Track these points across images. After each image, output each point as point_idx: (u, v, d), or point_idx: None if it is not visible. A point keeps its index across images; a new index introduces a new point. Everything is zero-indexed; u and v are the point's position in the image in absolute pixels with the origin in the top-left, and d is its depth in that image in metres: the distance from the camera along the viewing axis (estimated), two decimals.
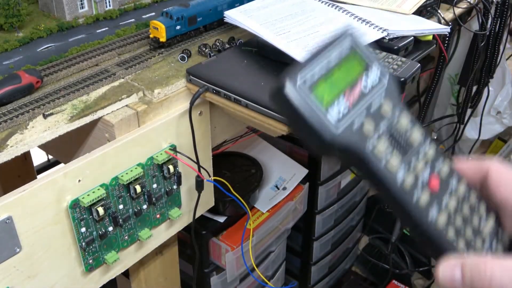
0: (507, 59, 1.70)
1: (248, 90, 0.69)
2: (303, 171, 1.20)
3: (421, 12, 0.94)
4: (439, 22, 0.98)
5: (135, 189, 0.68)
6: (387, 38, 0.78)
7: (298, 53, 0.72)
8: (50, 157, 1.55)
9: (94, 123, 0.67)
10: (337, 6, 0.86)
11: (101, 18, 0.88)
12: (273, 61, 0.75)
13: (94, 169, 0.63)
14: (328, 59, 0.33)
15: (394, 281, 1.64)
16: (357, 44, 0.35)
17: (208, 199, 0.86)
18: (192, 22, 0.82)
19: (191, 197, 0.79)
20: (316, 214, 1.33)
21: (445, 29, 0.85)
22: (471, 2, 1.13)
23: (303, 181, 1.21)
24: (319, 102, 0.32)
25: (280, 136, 0.71)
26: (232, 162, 1.15)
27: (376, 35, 0.78)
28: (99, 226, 0.66)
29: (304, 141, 0.33)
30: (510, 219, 0.37)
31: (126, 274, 0.83)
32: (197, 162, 0.75)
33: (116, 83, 0.71)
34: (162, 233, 0.78)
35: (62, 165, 0.65)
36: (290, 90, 0.31)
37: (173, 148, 0.72)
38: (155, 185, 0.72)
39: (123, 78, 0.73)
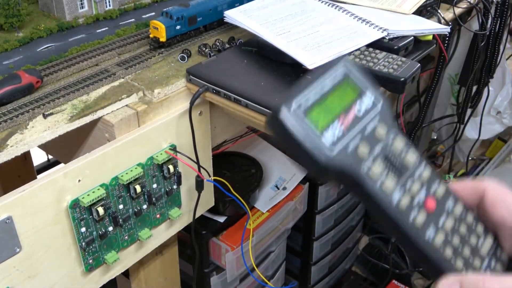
0: (507, 59, 1.70)
1: (248, 90, 0.69)
2: (303, 171, 1.20)
3: (421, 12, 0.94)
4: (439, 22, 0.98)
5: (135, 189, 0.68)
6: (387, 38, 0.78)
7: (298, 53, 0.72)
8: (50, 157, 1.55)
9: (94, 123, 0.67)
10: (337, 6, 0.86)
11: (101, 18, 0.88)
12: (273, 61, 0.75)
13: (94, 169, 0.63)
14: (322, 85, 0.35)
15: (394, 281, 1.63)
16: (351, 71, 0.37)
17: (208, 199, 0.86)
18: (192, 22, 0.82)
19: (191, 197, 0.79)
20: (316, 214, 1.33)
21: (445, 29, 0.85)
22: (471, 2, 1.12)
23: (303, 181, 1.21)
24: (314, 126, 0.33)
25: None
26: (232, 162, 1.15)
27: (376, 35, 0.78)
28: (99, 226, 0.66)
29: (301, 164, 0.34)
30: (508, 238, 0.37)
31: (126, 274, 0.83)
32: (197, 162, 0.75)
33: (116, 83, 0.71)
34: (162, 233, 0.78)
35: (62, 165, 0.65)
36: (284, 114, 0.32)
37: (173, 148, 0.72)
38: (155, 185, 0.72)
39: (123, 78, 0.73)
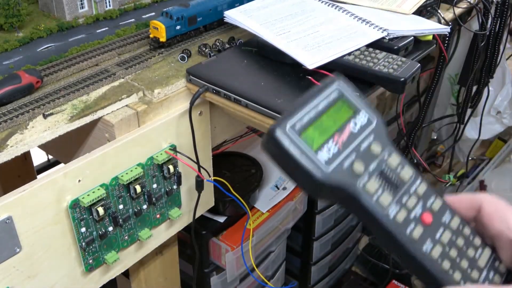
0: (507, 59, 1.70)
1: (248, 90, 0.69)
2: None
3: (421, 12, 0.94)
4: (439, 22, 0.98)
5: (135, 189, 0.68)
6: (387, 38, 0.78)
7: (298, 53, 0.72)
8: (50, 157, 1.55)
9: (94, 123, 0.67)
10: (337, 6, 0.86)
11: (101, 18, 0.88)
12: (273, 61, 0.75)
13: (94, 169, 0.63)
14: (317, 105, 0.36)
15: (394, 281, 1.63)
16: (346, 91, 0.38)
17: (208, 199, 0.86)
18: (192, 22, 0.82)
19: (191, 197, 0.79)
20: (316, 214, 1.33)
21: (445, 29, 0.85)
22: (471, 2, 1.12)
23: None
24: (309, 144, 0.34)
25: None
26: (232, 162, 1.15)
27: (376, 35, 0.78)
28: (99, 226, 0.66)
29: (298, 184, 0.35)
30: (505, 251, 0.37)
31: (126, 274, 0.83)
32: (197, 162, 0.75)
33: (116, 83, 0.71)
34: (162, 233, 0.78)
35: (62, 165, 0.65)
36: (280, 134, 0.33)
37: (173, 148, 0.72)
38: (155, 185, 0.72)
39: (123, 78, 0.73)
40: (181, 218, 0.79)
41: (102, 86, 0.70)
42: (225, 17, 0.82)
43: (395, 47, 0.76)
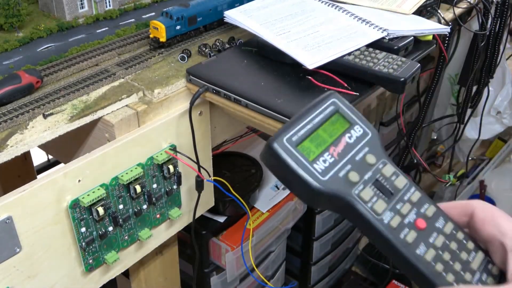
0: (507, 59, 1.70)
1: (248, 90, 0.69)
2: None
3: (421, 12, 0.94)
4: (439, 22, 0.98)
5: (135, 189, 0.68)
6: (387, 38, 0.78)
7: (298, 53, 0.72)
8: (50, 157, 1.55)
9: (94, 123, 0.67)
10: (337, 6, 0.86)
11: (101, 18, 0.88)
12: (273, 61, 0.75)
13: (94, 169, 0.63)
14: (313, 119, 0.39)
15: (394, 281, 1.63)
16: (341, 106, 0.41)
17: (208, 199, 0.86)
18: (192, 22, 0.82)
19: (191, 197, 0.79)
20: (316, 214, 1.33)
21: (445, 29, 0.85)
22: (471, 2, 1.12)
23: None
24: (305, 156, 0.36)
25: None
26: (232, 162, 1.15)
27: (376, 35, 0.78)
28: (99, 226, 0.66)
29: (296, 194, 0.38)
30: (498, 254, 0.39)
31: (126, 274, 0.83)
32: (197, 162, 0.75)
33: (116, 83, 0.71)
34: (162, 233, 0.78)
35: (62, 165, 0.65)
36: (277, 146, 0.36)
37: (173, 148, 0.72)
38: (155, 185, 0.72)
39: (123, 78, 0.73)
40: (181, 218, 0.79)
41: (102, 86, 0.70)
42: (225, 17, 0.82)
43: (395, 47, 0.76)
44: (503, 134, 2.02)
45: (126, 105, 0.69)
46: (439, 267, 0.37)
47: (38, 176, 0.87)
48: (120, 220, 0.69)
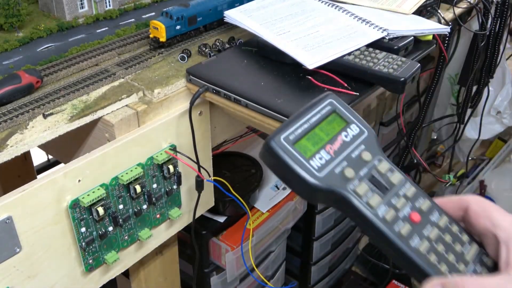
0: (507, 59, 1.70)
1: (248, 90, 0.69)
2: None
3: (421, 12, 0.94)
4: (439, 22, 0.98)
5: (135, 189, 0.68)
6: (387, 38, 0.78)
7: (298, 53, 0.72)
8: (50, 157, 1.55)
9: (94, 123, 0.67)
10: (337, 6, 0.86)
11: (101, 18, 0.88)
12: (273, 61, 0.75)
13: (94, 169, 0.63)
14: (310, 119, 0.40)
15: (394, 281, 1.63)
16: (338, 107, 0.42)
17: (208, 199, 0.86)
18: (192, 22, 0.82)
19: (191, 197, 0.79)
20: (316, 214, 1.33)
21: (445, 29, 0.85)
22: (471, 2, 1.12)
23: None
24: (302, 153, 0.38)
25: None
26: (232, 162, 1.15)
27: (376, 35, 0.78)
28: (99, 226, 0.66)
29: (294, 190, 0.39)
30: (491, 246, 0.40)
31: (126, 274, 0.83)
32: (197, 162, 0.75)
33: (116, 83, 0.71)
34: (162, 233, 0.78)
35: (62, 165, 0.65)
36: (274, 145, 0.38)
37: (173, 148, 0.72)
38: (155, 185, 0.72)
39: (123, 78, 0.73)
40: (181, 218, 0.79)
41: (102, 86, 0.70)
42: (225, 17, 0.82)
43: (395, 47, 0.76)
44: (503, 134, 2.02)
45: (126, 105, 0.69)
46: (433, 258, 0.38)
47: (38, 176, 0.87)
48: (120, 220, 0.69)
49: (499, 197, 1.84)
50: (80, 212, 0.63)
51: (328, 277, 1.55)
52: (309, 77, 0.70)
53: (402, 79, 0.68)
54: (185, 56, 0.78)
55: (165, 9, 0.79)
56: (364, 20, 0.82)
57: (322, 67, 0.71)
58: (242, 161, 1.16)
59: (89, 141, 0.70)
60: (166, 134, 0.71)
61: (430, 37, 0.83)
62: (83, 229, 0.64)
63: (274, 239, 1.17)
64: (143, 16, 0.92)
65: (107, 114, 0.66)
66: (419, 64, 0.71)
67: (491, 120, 1.79)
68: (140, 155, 0.68)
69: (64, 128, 0.63)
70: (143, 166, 0.69)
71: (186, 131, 0.73)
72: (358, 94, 0.67)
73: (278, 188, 1.16)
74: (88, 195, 0.63)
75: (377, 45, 0.76)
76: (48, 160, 1.56)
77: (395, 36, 0.79)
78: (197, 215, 0.82)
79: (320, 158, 0.39)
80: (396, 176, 0.41)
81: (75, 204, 0.62)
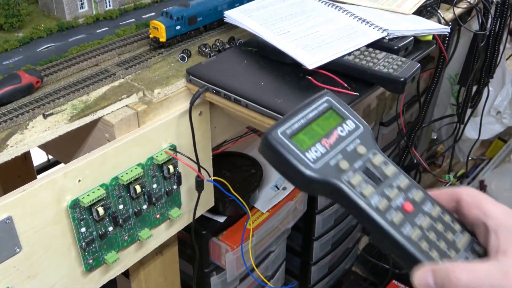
0: (507, 59, 1.70)
1: (248, 90, 0.69)
2: None
3: (421, 12, 0.94)
4: (439, 22, 0.98)
5: (135, 189, 0.68)
6: (387, 38, 0.78)
7: (298, 53, 0.72)
8: (50, 157, 1.55)
9: (94, 123, 0.67)
10: (337, 6, 0.86)
11: (101, 18, 0.88)
12: (273, 61, 0.75)
13: (94, 169, 0.63)
14: (307, 115, 0.42)
15: (394, 281, 1.63)
16: (334, 104, 0.44)
17: (208, 199, 0.86)
18: (192, 22, 0.82)
19: (191, 197, 0.79)
20: (316, 214, 1.33)
21: (445, 29, 0.85)
22: (471, 2, 1.13)
23: None
24: (299, 146, 0.40)
25: None
26: (232, 162, 1.15)
27: (376, 35, 0.78)
28: (99, 226, 0.66)
29: (291, 181, 0.41)
30: (482, 235, 0.41)
31: (126, 274, 0.83)
32: (197, 162, 0.75)
33: (116, 83, 0.71)
34: (162, 233, 0.78)
35: (62, 165, 0.65)
36: (272, 138, 0.40)
37: (173, 148, 0.72)
38: (155, 185, 0.72)
39: (123, 78, 0.73)
40: (181, 218, 0.79)
41: (102, 86, 0.70)
42: (225, 17, 0.82)
43: (395, 47, 0.76)
44: (503, 134, 2.02)
45: (126, 105, 0.69)
46: (424, 245, 0.40)
47: (38, 176, 0.87)
48: (120, 220, 0.69)
49: (499, 197, 1.84)
50: (80, 212, 0.63)
51: (328, 277, 1.55)
52: (309, 77, 0.70)
53: (402, 79, 0.68)
54: (185, 56, 0.78)
55: (165, 9, 0.80)
56: (364, 20, 0.82)
57: (322, 67, 0.71)
58: (242, 161, 1.16)
59: (89, 141, 0.70)
60: (166, 134, 0.71)
61: (430, 37, 0.83)
62: (83, 229, 0.64)
63: (274, 239, 1.17)
64: (143, 16, 0.92)
65: (107, 114, 0.66)
66: (419, 64, 0.71)
67: (491, 120, 1.80)
68: (140, 155, 0.68)
69: (64, 128, 0.63)
70: (143, 166, 0.69)
71: (186, 131, 0.73)
72: (358, 94, 0.67)
73: (278, 188, 1.16)
74: (88, 195, 0.63)
75: (377, 45, 0.76)
76: (48, 160, 1.56)
77: (395, 36, 0.79)
78: (197, 215, 0.82)
79: (316, 151, 0.40)
80: (390, 169, 0.42)
81: (75, 204, 0.62)
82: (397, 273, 1.64)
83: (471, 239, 0.42)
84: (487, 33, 1.33)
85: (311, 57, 0.71)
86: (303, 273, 1.48)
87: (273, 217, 1.11)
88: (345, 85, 0.69)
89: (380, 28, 0.79)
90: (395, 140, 1.66)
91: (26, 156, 1.16)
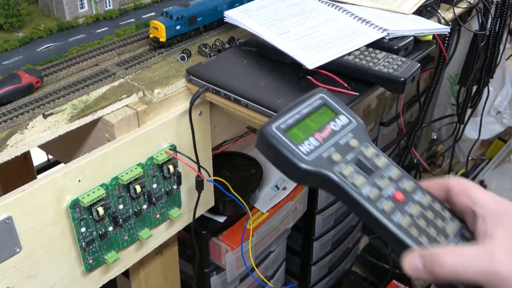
0: (507, 59, 1.70)
1: (248, 90, 0.69)
2: None
3: (421, 12, 0.94)
4: (439, 22, 0.98)
5: (135, 189, 0.68)
6: (387, 38, 0.78)
7: (298, 53, 0.72)
8: (50, 157, 1.55)
9: (94, 123, 0.67)
10: (337, 6, 0.86)
11: (101, 18, 0.88)
12: (273, 61, 0.75)
13: (94, 169, 0.63)
14: (301, 111, 0.44)
15: (394, 281, 1.63)
16: (328, 100, 0.46)
17: (208, 199, 0.86)
18: (192, 22, 0.82)
19: (191, 197, 0.79)
20: (316, 214, 1.33)
21: (445, 29, 0.85)
22: (471, 2, 1.13)
23: None
24: (293, 140, 0.42)
25: None
26: (232, 162, 1.15)
27: (376, 35, 0.78)
28: (99, 226, 0.66)
29: (285, 173, 0.42)
30: (471, 222, 0.43)
31: (126, 274, 0.83)
32: (197, 162, 0.75)
33: (116, 83, 0.71)
34: (162, 233, 0.78)
35: (62, 165, 0.65)
36: (266, 132, 0.42)
37: (173, 148, 0.72)
38: (155, 185, 0.72)
39: (123, 78, 0.73)
40: (181, 218, 0.79)
41: (102, 86, 0.70)
42: (225, 17, 0.82)
43: (395, 47, 0.76)
44: (503, 134, 2.02)
45: (126, 105, 0.69)
46: (414, 231, 0.41)
47: (38, 176, 0.87)
48: (120, 220, 0.69)
49: None
50: (80, 212, 0.63)
51: (328, 277, 1.55)
52: (309, 77, 0.70)
53: (402, 79, 0.68)
54: (185, 56, 0.78)
55: (165, 9, 0.80)
56: (364, 20, 0.82)
57: (322, 67, 0.71)
58: (242, 161, 1.16)
59: (89, 141, 0.70)
60: (166, 134, 0.71)
61: (430, 37, 0.83)
62: (83, 229, 0.64)
63: (274, 239, 1.17)
64: (143, 16, 0.92)
65: (107, 114, 0.66)
66: (419, 64, 0.71)
67: (491, 120, 1.80)
68: (140, 155, 0.68)
69: (64, 128, 0.63)
70: (143, 166, 0.69)
71: (186, 131, 0.73)
72: (358, 94, 0.67)
73: (278, 188, 1.16)
74: (88, 195, 0.63)
75: (377, 45, 0.76)
76: (48, 160, 1.56)
77: (395, 36, 0.79)
78: (197, 215, 0.82)
79: (309, 144, 0.42)
80: (382, 160, 0.44)
81: (75, 204, 0.62)
82: (397, 273, 1.64)
83: (461, 225, 0.43)
84: (487, 33, 1.33)
85: (311, 57, 0.71)
86: (303, 273, 1.48)
87: (273, 217, 1.11)
88: (345, 85, 0.69)
89: (380, 28, 0.79)
90: (395, 140, 1.66)
91: (26, 156, 1.16)
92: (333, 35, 0.77)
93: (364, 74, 0.70)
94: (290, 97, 0.67)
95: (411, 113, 1.68)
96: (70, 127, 0.63)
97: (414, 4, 0.90)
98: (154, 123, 0.69)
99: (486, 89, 1.58)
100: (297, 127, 0.43)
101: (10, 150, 0.58)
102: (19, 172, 1.15)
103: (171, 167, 0.72)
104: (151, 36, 0.79)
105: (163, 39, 0.78)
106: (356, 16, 0.83)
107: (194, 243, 0.88)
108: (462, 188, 0.43)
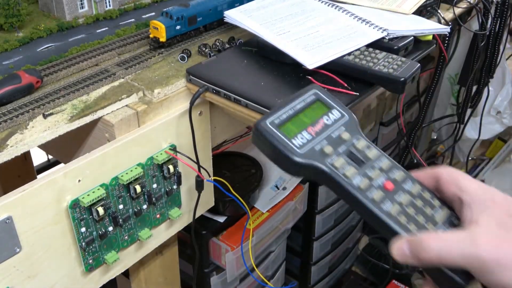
0: (507, 59, 1.70)
1: (248, 90, 0.69)
2: None
3: (421, 12, 0.94)
4: (439, 22, 0.98)
5: (135, 189, 0.68)
6: (387, 38, 0.78)
7: (298, 53, 0.72)
8: (50, 157, 1.55)
9: (94, 123, 0.67)
10: (337, 6, 0.86)
11: (101, 18, 0.88)
12: (273, 61, 0.75)
13: (94, 169, 0.63)
14: (295, 106, 0.46)
15: (394, 281, 1.63)
16: (321, 96, 0.48)
17: (208, 199, 0.86)
18: (192, 22, 0.82)
19: (191, 197, 0.79)
20: (316, 214, 1.33)
21: (445, 29, 0.85)
22: (471, 2, 1.13)
23: (303, 181, 1.21)
24: (286, 134, 0.43)
25: None
26: (232, 162, 1.15)
27: (376, 35, 0.78)
28: (99, 226, 0.66)
29: (280, 166, 0.44)
30: (459, 210, 0.44)
31: (126, 274, 0.83)
32: (197, 162, 0.75)
33: (116, 83, 0.71)
34: (162, 233, 0.78)
35: (62, 165, 0.65)
36: (261, 127, 0.43)
37: (173, 148, 0.72)
38: (155, 185, 0.72)
39: (123, 78, 0.73)
40: (181, 218, 0.79)
41: (102, 86, 0.70)
42: (225, 17, 0.82)
43: (395, 47, 0.76)
44: (503, 134, 2.02)
45: (126, 105, 0.69)
46: (403, 219, 0.43)
47: (38, 176, 0.87)
48: (120, 220, 0.69)
49: None
50: (80, 212, 0.63)
51: (328, 277, 1.55)
52: (309, 77, 0.70)
53: (402, 79, 0.68)
54: (185, 56, 0.78)
55: (165, 9, 0.80)
56: (364, 20, 0.82)
57: (322, 67, 0.71)
58: (242, 161, 1.16)
59: (89, 141, 0.70)
60: (166, 134, 0.71)
61: (430, 37, 0.83)
62: (83, 229, 0.64)
63: (274, 239, 1.17)
64: (143, 16, 0.92)
65: (107, 114, 0.66)
66: (419, 64, 0.71)
67: (491, 120, 1.80)
68: (140, 155, 0.68)
69: (64, 128, 0.63)
70: (143, 166, 0.69)
71: (186, 131, 0.73)
72: (358, 94, 0.67)
73: (278, 188, 1.16)
74: (88, 195, 0.63)
75: (377, 45, 0.76)
76: (48, 160, 1.56)
77: (395, 36, 0.79)
78: (197, 215, 0.82)
79: (302, 138, 0.44)
80: (373, 152, 0.46)
81: (75, 204, 0.62)
82: (397, 273, 1.64)
83: (450, 213, 0.44)
84: (487, 33, 1.33)
85: (311, 57, 0.71)
86: (303, 273, 1.48)
87: (273, 217, 1.11)
88: (345, 85, 0.69)
89: (380, 28, 0.79)
90: (395, 140, 1.67)
91: (26, 156, 1.16)
92: (333, 35, 0.77)
93: (364, 74, 0.70)
94: None
95: (411, 113, 1.68)
96: (70, 127, 0.63)
97: (414, 4, 0.90)
98: (154, 123, 0.69)
99: (486, 89, 1.58)
100: (290, 122, 0.44)
101: (10, 150, 0.58)
102: (19, 172, 1.15)
103: (171, 167, 0.72)
104: (151, 36, 0.79)
105: (163, 39, 0.78)
106: (356, 16, 0.83)
107: (194, 243, 0.88)
108: (451, 177, 0.45)
